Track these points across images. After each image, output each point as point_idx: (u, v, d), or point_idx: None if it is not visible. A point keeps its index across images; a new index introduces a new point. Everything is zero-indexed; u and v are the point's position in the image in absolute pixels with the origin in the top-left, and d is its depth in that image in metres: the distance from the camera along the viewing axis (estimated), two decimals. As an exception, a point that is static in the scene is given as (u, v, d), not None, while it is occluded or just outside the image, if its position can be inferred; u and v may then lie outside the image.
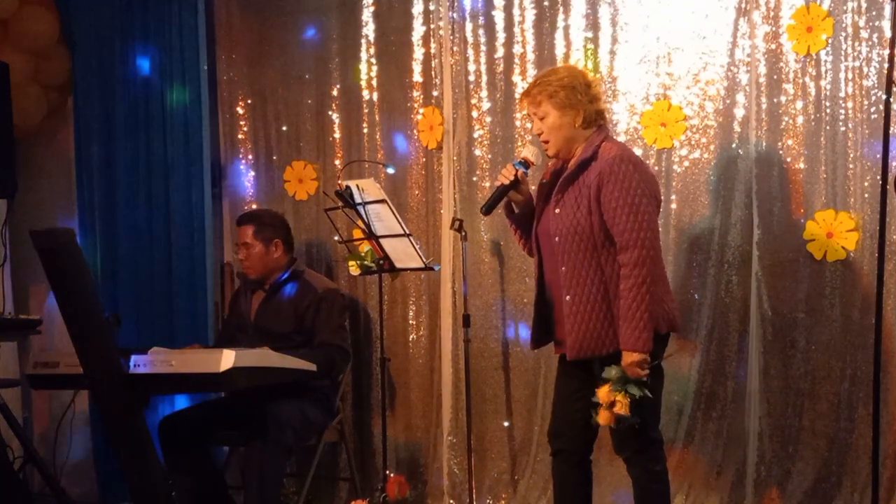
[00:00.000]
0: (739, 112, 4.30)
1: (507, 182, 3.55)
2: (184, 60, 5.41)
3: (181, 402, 5.13)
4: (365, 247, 4.77)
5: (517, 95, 4.70)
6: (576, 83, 3.50)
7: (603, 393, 3.37)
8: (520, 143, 4.72)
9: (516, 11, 4.71)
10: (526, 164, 3.59)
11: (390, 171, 5.02)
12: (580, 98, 3.48)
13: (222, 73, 5.48)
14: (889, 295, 3.94)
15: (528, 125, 4.70)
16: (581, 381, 3.54)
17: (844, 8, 4.07)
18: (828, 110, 4.12)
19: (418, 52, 4.99)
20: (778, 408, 4.20)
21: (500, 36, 4.76)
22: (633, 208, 3.35)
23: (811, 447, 4.16)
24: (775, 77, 4.20)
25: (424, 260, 4.58)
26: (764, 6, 4.22)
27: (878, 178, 3.79)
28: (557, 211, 3.47)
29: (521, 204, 3.64)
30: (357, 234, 4.76)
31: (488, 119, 4.82)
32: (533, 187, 3.87)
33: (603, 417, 3.39)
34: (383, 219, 4.52)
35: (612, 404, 3.36)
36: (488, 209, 3.61)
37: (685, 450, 4.33)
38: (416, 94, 5.01)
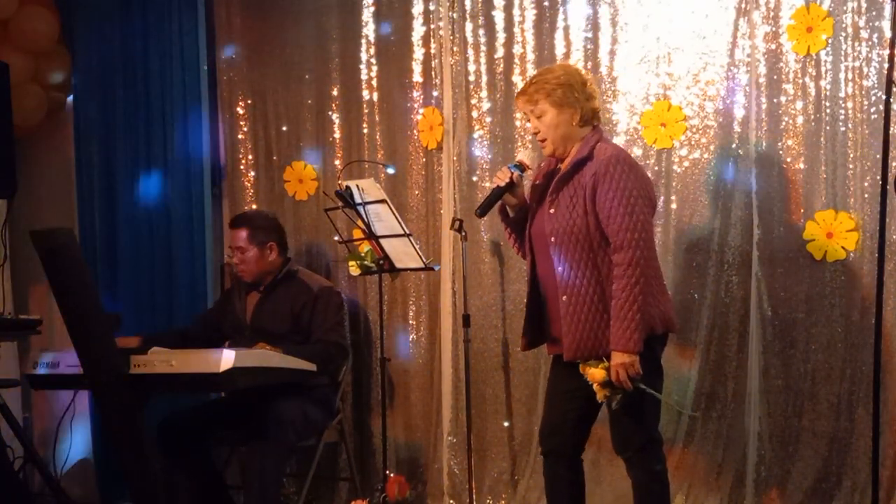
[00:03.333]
0: (739, 112, 4.30)
1: (501, 185, 3.56)
2: (184, 61, 5.42)
3: (181, 402, 5.13)
4: (365, 247, 4.77)
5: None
6: (573, 81, 3.50)
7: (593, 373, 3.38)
8: (520, 144, 4.72)
9: (516, 11, 4.71)
10: (521, 167, 3.61)
11: (390, 171, 5.01)
12: (577, 96, 3.49)
13: (222, 73, 5.48)
14: (889, 295, 3.94)
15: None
16: (577, 381, 3.52)
17: (844, 8, 4.07)
18: (828, 110, 4.12)
19: (418, 52, 4.98)
20: (778, 408, 4.20)
21: (500, 36, 4.76)
22: (627, 209, 3.34)
23: (811, 447, 4.15)
24: (775, 77, 4.20)
25: (424, 260, 4.58)
26: (764, 6, 4.22)
27: (878, 178, 3.79)
28: (552, 211, 3.47)
29: (515, 207, 3.64)
30: (357, 234, 4.76)
31: (488, 119, 4.81)
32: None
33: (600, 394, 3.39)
34: (383, 219, 4.52)
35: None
36: (483, 211, 3.62)
37: (685, 450, 4.33)
38: (416, 94, 5.00)
